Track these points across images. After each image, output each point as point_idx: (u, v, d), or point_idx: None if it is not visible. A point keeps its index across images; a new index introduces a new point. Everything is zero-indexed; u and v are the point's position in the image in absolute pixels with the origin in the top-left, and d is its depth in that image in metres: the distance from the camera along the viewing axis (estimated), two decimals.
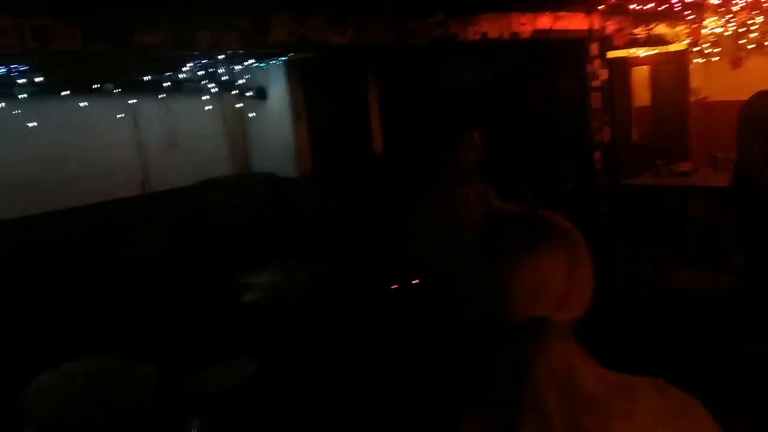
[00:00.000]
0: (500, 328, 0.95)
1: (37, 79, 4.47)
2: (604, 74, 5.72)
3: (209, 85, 5.75)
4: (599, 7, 5.33)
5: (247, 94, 6.07)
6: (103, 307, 4.32)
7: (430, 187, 3.29)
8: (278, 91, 6.06)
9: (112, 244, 5.02)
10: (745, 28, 5.91)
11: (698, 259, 5.44)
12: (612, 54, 5.84)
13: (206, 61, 5.22)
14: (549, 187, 5.67)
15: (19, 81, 4.42)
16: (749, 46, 6.07)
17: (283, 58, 5.63)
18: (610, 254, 5.37)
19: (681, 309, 4.84)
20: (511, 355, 0.92)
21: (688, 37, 6.28)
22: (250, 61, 5.55)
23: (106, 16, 3.04)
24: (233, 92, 6.05)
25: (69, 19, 2.94)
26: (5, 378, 3.16)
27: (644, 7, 5.08)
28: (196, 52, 4.30)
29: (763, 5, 5.39)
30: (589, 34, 5.49)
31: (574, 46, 5.50)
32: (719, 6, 5.42)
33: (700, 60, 6.47)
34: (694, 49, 6.38)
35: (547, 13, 4.99)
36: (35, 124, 4.89)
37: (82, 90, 5.04)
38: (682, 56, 6.70)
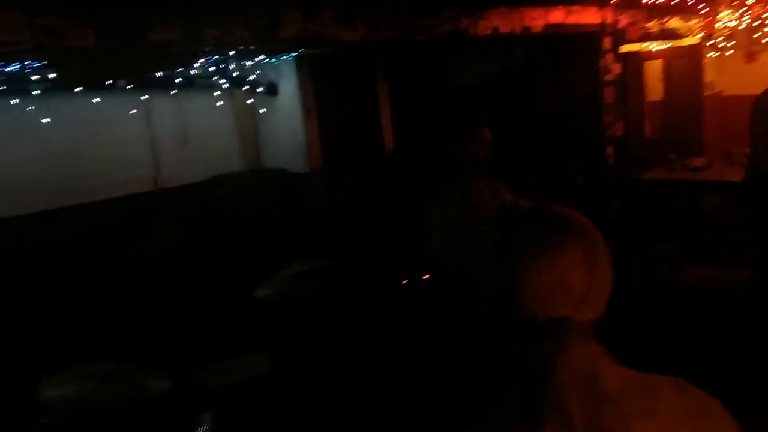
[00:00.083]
0: (519, 327, 0.94)
1: (50, 76, 4.50)
2: (617, 68, 5.68)
3: (221, 82, 5.77)
4: (612, 1, 5.29)
5: (258, 90, 6.08)
6: (113, 302, 4.35)
7: (441, 183, 3.28)
8: (289, 87, 6.06)
9: (124, 240, 5.05)
10: (759, 22, 5.84)
11: (712, 254, 5.39)
12: (625, 48, 5.80)
13: (218, 57, 5.23)
14: (561, 182, 5.64)
15: (33, 78, 4.46)
16: (764, 40, 5.99)
17: (293, 54, 5.64)
18: (625, 250, 5.33)
19: (696, 306, 4.79)
20: (533, 355, 0.91)
21: (701, 30, 6.21)
22: (261, 58, 5.56)
23: (118, 12, 3.06)
24: (244, 88, 6.06)
25: (82, 17, 2.96)
26: (20, 374, 3.19)
27: (657, 1, 5.05)
28: (208, 49, 4.31)
29: None
30: (602, 28, 5.45)
31: (587, 40, 5.47)
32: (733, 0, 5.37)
33: (714, 54, 6.40)
34: (708, 43, 6.31)
35: (559, 7, 4.95)
36: (48, 120, 4.93)
37: (94, 86, 5.06)
38: (696, 50, 6.64)
